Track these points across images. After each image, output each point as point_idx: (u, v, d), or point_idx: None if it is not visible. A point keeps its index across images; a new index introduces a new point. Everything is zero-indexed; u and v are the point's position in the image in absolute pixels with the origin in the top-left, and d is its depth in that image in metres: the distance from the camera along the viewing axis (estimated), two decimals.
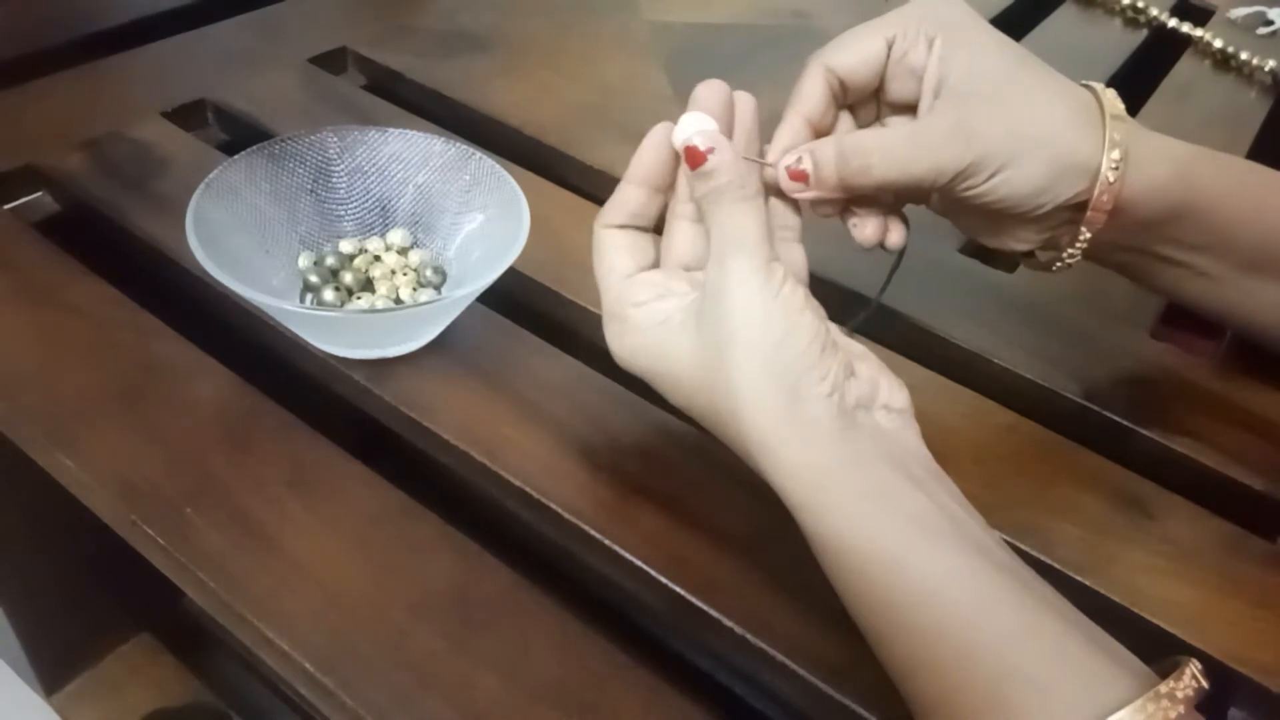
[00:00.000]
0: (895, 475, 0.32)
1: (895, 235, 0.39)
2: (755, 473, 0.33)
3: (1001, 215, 0.39)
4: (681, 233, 0.37)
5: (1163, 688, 0.27)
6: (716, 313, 0.33)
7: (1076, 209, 0.38)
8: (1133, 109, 0.70)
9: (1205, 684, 0.27)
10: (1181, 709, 0.26)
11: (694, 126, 0.35)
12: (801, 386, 0.32)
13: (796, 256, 0.38)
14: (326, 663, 0.34)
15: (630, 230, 0.37)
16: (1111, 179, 0.37)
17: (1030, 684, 0.28)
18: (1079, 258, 0.40)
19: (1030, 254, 0.42)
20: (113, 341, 0.45)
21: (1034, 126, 0.37)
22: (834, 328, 0.34)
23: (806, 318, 0.32)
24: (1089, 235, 0.39)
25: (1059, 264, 0.41)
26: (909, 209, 0.41)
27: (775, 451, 0.32)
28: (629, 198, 0.37)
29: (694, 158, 0.34)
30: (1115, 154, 0.37)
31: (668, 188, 0.37)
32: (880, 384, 0.34)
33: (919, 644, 0.29)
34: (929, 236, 0.56)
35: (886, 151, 0.37)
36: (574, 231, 0.53)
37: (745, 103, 0.37)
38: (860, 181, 0.37)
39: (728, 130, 0.36)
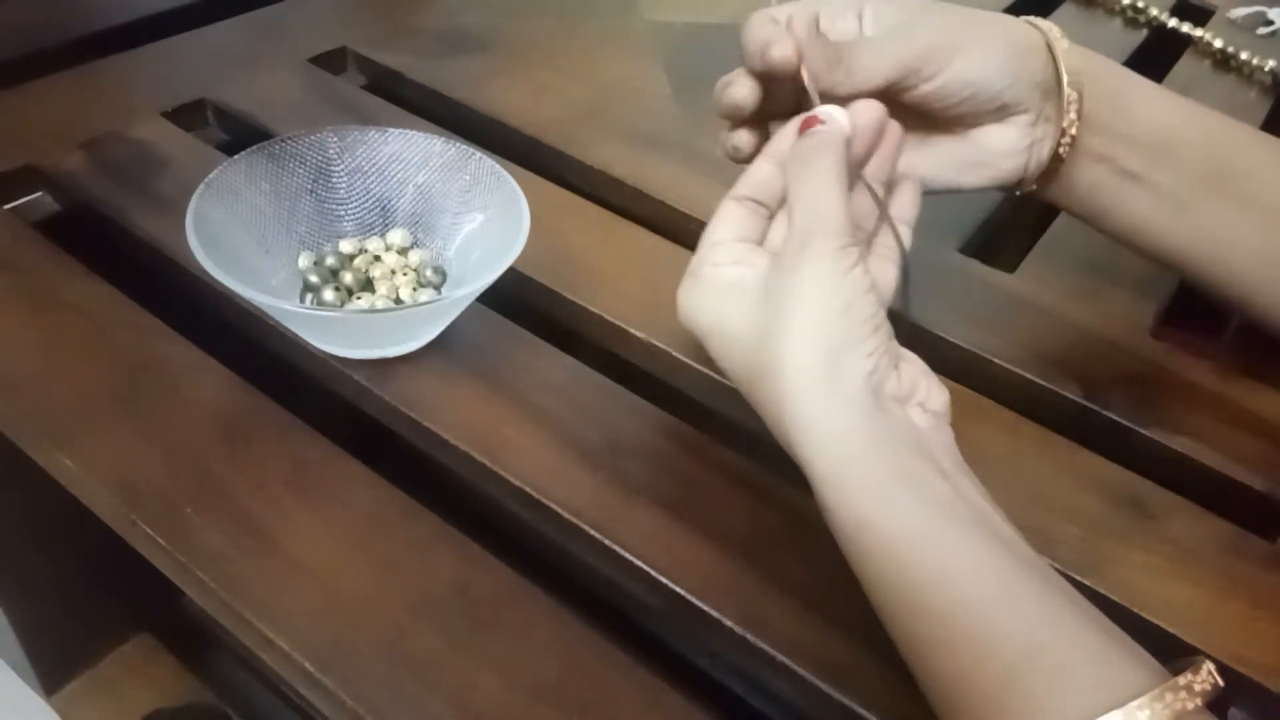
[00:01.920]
0: (921, 461, 0.32)
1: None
2: (782, 447, 0.34)
3: (977, 123, 0.41)
4: (782, 225, 0.38)
5: (1180, 680, 0.27)
6: (785, 282, 0.33)
7: (1046, 94, 0.41)
8: None
9: (1221, 682, 0.27)
10: (1198, 701, 0.27)
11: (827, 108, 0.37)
12: (846, 357, 0.32)
13: (888, 276, 0.38)
14: (326, 663, 0.34)
15: (749, 204, 0.38)
16: (1066, 45, 0.41)
17: (1048, 667, 0.28)
18: (1070, 147, 0.41)
19: (1018, 183, 0.43)
20: (113, 341, 0.45)
21: (978, 17, 0.40)
22: None
23: (870, 298, 0.33)
24: (1074, 116, 0.41)
25: (1056, 152, 0.42)
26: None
27: (807, 417, 0.32)
28: (757, 169, 0.38)
29: (809, 124, 0.37)
30: (1058, 32, 0.41)
31: None
32: (920, 384, 0.35)
33: (937, 625, 0.30)
34: (929, 236, 0.56)
35: (855, 54, 0.38)
36: (574, 231, 0.53)
37: (894, 133, 0.38)
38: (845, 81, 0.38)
39: (868, 152, 0.38)
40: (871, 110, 0.37)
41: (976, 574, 0.30)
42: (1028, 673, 0.28)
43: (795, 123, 0.37)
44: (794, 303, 0.33)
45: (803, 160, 0.36)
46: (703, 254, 0.37)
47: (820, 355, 0.32)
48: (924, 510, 0.31)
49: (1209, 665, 0.28)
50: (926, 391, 0.35)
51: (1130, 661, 0.28)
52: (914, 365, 0.36)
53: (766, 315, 0.34)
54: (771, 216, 0.39)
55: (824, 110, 0.37)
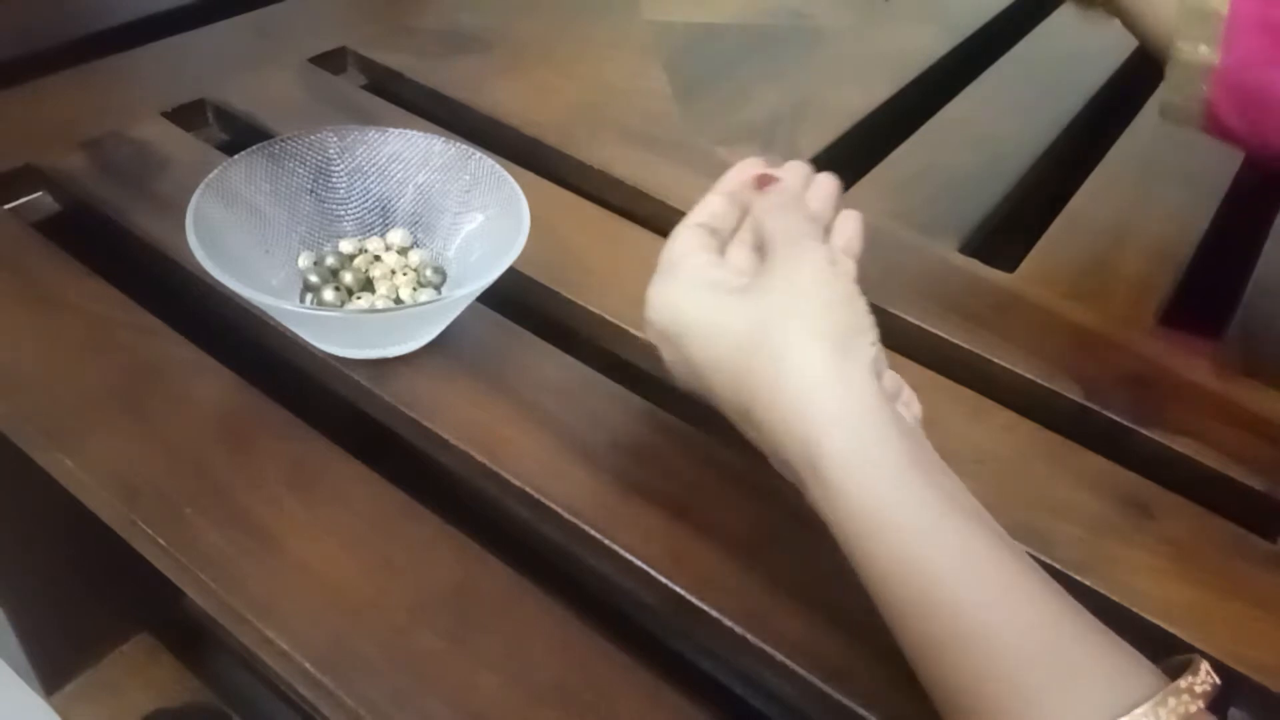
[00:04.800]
0: (928, 451, 0.33)
1: None
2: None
3: None
4: (740, 245, 0.40)
5: (1181, 683, 0.27)
6: (781, 281, 0.35)
7: None
8: (1133, 109, 0.70)
9: (1218, 681, 0.27)
10: (1201, 703, 0.27)
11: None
12: (854, 341, 0.33)
13: None
14: (326, 663, 0.34)
15: (705, 229, 0.39)
16: None
17: (1056, 671, 0.28)
18: None
19: None
20: (113, 341, 0.45)
21: None
22: None
23: (863, 297, 0.35)
24: None
25: None
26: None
27: (820, 397, 0.32)
28: (712, 202, 0.40)
29: (765, 180, 0.40)
30: None
31: (743, 205, 0.40)
32: (903, 389, 0.36)
33: (948, 619, 0.29)
34: (929, 236, 0.56)
35: None
36: (574, 231, 0.53)
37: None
38: None
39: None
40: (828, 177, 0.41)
41: (987, 569, 0.30)
42: (1037, 674, 0.28)
43: (744, 164, 0.41)
44: (796, 292, 0.34)
45: (774, 209, 0.38)
46: (677, 257, 0.38)
47: (830, 338, 0.33)
48: (936, 499, 0.31)
49: (1206, 665, 0.28)
50: (909, 397, 0.36)
51: (1133, 665, 0.28)
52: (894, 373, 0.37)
53: (765, 306, 0.34)
54: (722, 249, 0.40)
55: (779, 172, 0.40)
